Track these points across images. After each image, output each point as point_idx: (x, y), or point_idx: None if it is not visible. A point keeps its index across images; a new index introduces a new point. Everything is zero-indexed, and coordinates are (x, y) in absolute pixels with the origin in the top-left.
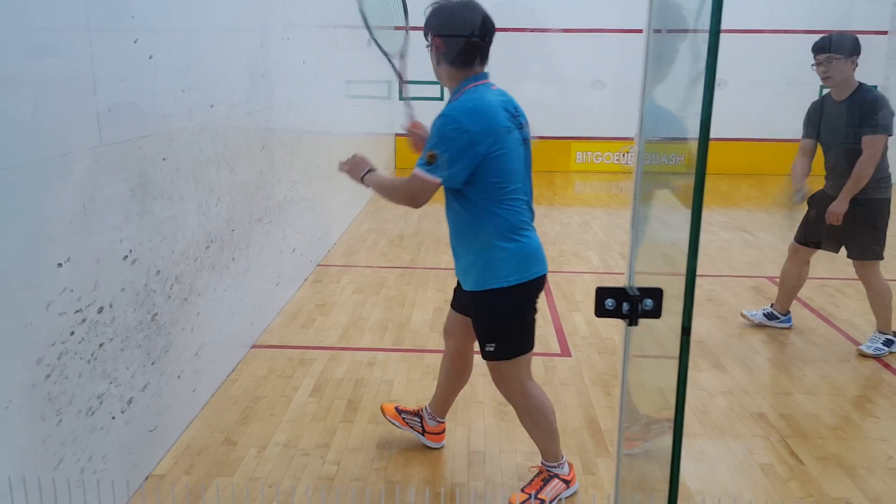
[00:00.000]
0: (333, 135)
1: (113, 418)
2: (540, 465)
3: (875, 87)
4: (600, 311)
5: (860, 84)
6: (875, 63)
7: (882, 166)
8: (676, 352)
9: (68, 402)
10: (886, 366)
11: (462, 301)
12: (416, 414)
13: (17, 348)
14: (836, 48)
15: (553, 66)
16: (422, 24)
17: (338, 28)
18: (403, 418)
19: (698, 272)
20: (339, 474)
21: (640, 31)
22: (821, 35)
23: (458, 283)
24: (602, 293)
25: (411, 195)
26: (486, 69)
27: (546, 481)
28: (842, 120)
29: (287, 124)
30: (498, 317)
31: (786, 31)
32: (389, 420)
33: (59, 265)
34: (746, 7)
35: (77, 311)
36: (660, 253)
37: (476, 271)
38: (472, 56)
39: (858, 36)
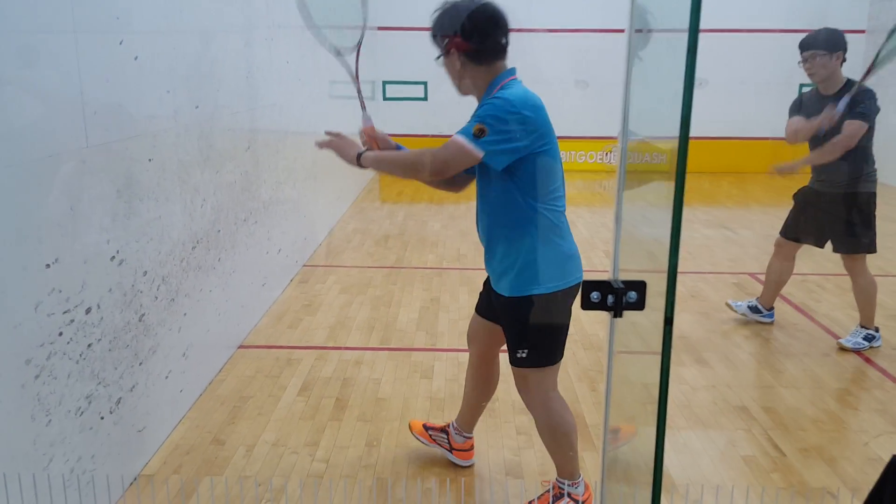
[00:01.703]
0: (318, 135)
1: (102, 418)
2: (554, 481)
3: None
4: (586, 304)
5: (848, 80)
6: (853, 61)
7: (869, 159)
8: (659, 345)
9: (57, 403)
10: (867, 360)
11: (489, 304)
12: (443, 430)
13: (6, 349)
14: (820, 45)
15: (535, 65)
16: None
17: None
18: (430, 435)
19: (681, 269)
20: (329, 472)
21: (621, 30)
22: (805, 33)
23: (485, 285)
24: (587, 286)
25: (442, 160)
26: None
27: (556, 499)
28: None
29: (272, 125)
30: (533, 324)
31: (764, 31)
32: (416, 437)
33: (47, 266)
34: (725, 6)
35: (65, 312)
36: (643, 250)
37: (513, 274)
38: (502, 50)
39: (844, 33)
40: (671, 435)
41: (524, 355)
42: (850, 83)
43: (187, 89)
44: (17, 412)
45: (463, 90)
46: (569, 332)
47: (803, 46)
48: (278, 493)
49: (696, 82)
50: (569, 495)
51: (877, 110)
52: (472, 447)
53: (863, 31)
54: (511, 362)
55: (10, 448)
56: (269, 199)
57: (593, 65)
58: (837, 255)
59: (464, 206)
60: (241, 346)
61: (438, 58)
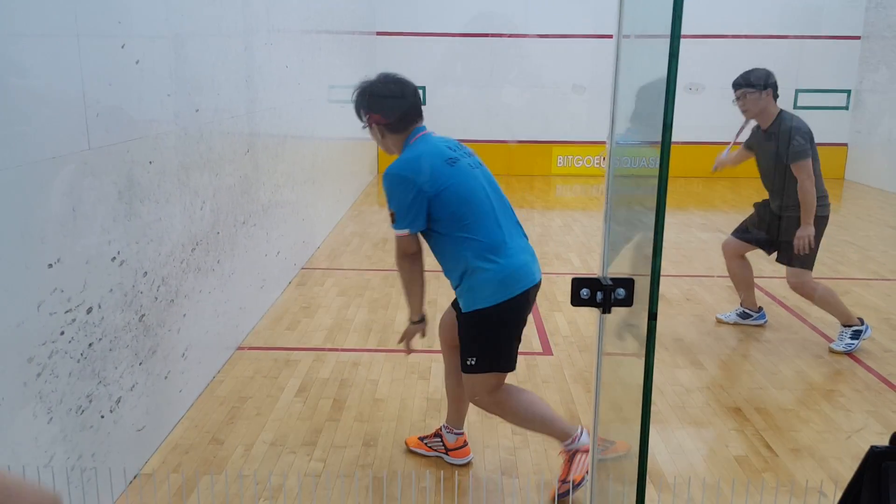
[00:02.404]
0: (316, 139)
1: (102, 417)
2: (561, 448)
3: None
4: (576, 301)
5: (780, 112)
6: (848, 68)
7: (819, 187)
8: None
9: (59, 401)
10: (858, 361)
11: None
12: (437, 435)
13: (9, 347)
14: (749, 82)
15: (533, 71)
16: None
17: (320, 33)
18: (426, 443)
19: (677, 272)
20: (326, 471)
21: (626, 36)
22: (801, 39)
23: None
24: (577, 283)
25: (400, 253)
26: (423, 120)
27: (570, 461)
28: (768, 149)
29: (271, 128)
30: (481, 335)
31: (760, 37)
32: (414, 451)
33: (50, 266)
34: (722, 12)
35: (67, 311)
36: (640, 254)
37: (464, 295)
38: (410, 117)
39: (832, 41)
40: (665, 435)
41: (473, 363)
42: (779, 117)
43: (188, 93)
44: (19, 410)
45: (388, 152)
46: (566, 333)
47: (734, 86)
48: (276, 492)
49: (692, 88)
50: (578, 451)
51: (810, 139)
52: (465, 443)
53: (858, 38)
54: (462, 370)
55: (12, 445)
56: (268, 201)
57: (590, 69)
58: (830, 261)
59: None
60: (239, 348)
61: (364, 128)
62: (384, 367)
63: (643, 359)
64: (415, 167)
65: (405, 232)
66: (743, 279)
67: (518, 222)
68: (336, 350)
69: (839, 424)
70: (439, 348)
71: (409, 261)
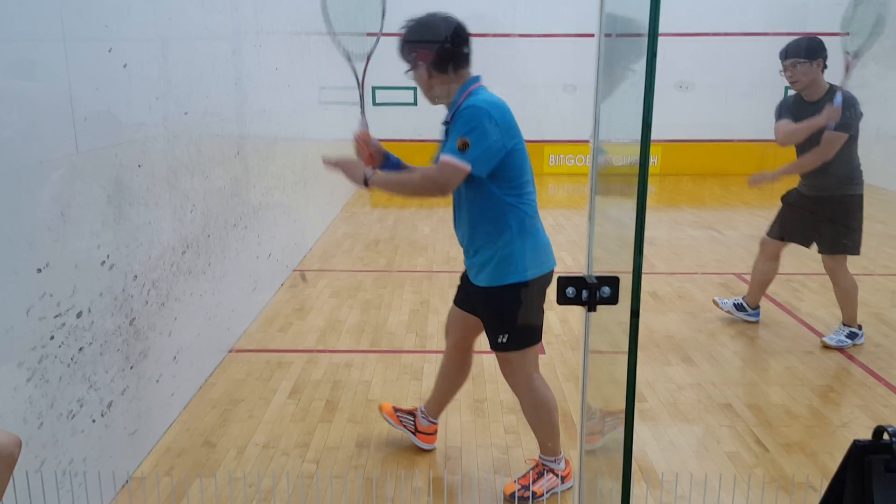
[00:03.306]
0: (307, 140)
1: (93, 421)
2: (537, 458)
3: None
4: (561, 299)
5: (831, 86)
6: (836, 63)
7: (853, 163)
8: (642, 344)
9: (49, 406)
10: (850, 357)
11: (466, 297)
12: (411, 413)
13: None
14: (800, 52)
15: (523, 71)
16: (393, 29)
17: (309, 35)
18: (398, 416)
19: (668, 269)
20: (319, 472)
21: (606, 35)
22: (788, 36)
23: (463, 279)
24: (563, 282)
25: (443, 182)
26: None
27: (541, 475)
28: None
29: (261, 131)
30: (513, 310)
31: (748, 34)
32: (385, 418)
33: (39, 270)
34: (709, 11)
35: (56, 316)
36: (618, 249)
37: (492, 266)
38: (466, 59)
39: (819, 37)
40: (657, 431)
41: (505, 340)
42: (832, 89)
43: (176, 96)
44: (9, 415)
45: (433, 100)
46: (558, 332)
47: (784, 55)
48: (269, 494)
49: (682, 86)
50: (551, 471)
51: (859, 117)
52: (435, 432)
53: (846, 34)
54: (493, 348)
55: None
56: (260, 203)
57: (580, 69)
58: (819, 256)
59: None
60: (231, 350)
61: (408, 71)
62: (377, 368)
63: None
64: (503, 114)
65: (467, 166)
66: (764, 279)
67: None
68: (328, 352)
69: (830, 419)
70: (432, 349)
71: (436, 193)
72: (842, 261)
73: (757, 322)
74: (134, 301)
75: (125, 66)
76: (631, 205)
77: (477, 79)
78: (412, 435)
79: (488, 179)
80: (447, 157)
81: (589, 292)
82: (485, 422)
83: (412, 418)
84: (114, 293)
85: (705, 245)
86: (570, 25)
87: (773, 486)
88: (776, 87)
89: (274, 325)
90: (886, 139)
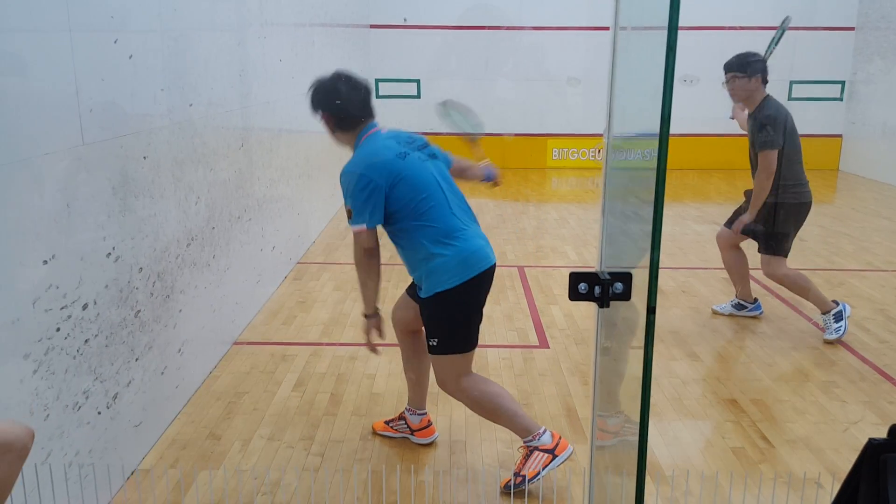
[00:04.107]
0: (311, 133)
1: (98, 413)
2: (521, 444)
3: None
4: (574, 295)
5: (764, 99)
6: (842, 59)
7: (791, 174)
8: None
9: (55, 398)
10: (854, 352)
11: (414, 292)
12: (400, 418)
13: (5, 344)
14: (736, 67)
15: (527, 64)
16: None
17: (314, 26)
18: (391, 426)
19: (672, 264)
20: (324, 465)
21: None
22: (797, 30)
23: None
24: (575, 278)
25: (359, 248)
26: (374, 117)
27: (527, 457)
28: (750, 133)
29: (265, 123)
30: (443, 316)
31: (754, 28)
32: (382, 434)
33: (45, 262)
34: (716, 4)
35: (62, 308)
36: (629, 245)
37: (424, 281)
38: (356, 116)
39: (826, 32)
40: (662, 427)
41: (435, 344)
42: (762, 104)
43: (181, 87)
44: (15, 407)
45: (344, 147)
46: (562, 327)
47: (725, 69)
48: (274, 487)
49: (687, 80)
50: (535, 448)
51: (782, 131)
52: (429, 423)
53: (852, 29)
54: (429, 352)
55: None
56: (263, 196)
57: (584, 62)
58: (825, 252)
59: None
60: (235, 343)
61: (320, 120)
62: (381, 361)
63: (635, 350)
64: (368, 163)
65: (363, 227)
66: (738, 270)
67: (471, 211)
68: (332, 345)
69: (835, 415)
70: None
71: (367, 256)
72: (776, 262)
73: (760, 315)
74: (139, 293)
75: (131, 57)
76: (643, 200)
77: (369, 127)
78: (411, 436)
79: (390, 216)
80: (351, 228)
81: (602, 288)
82: None
83: (403, 422)
84: (119, 285)
85: (710, 240)
86: (575, 18)
87: (779, 483)
88: (782, 82)
89: (278, 318)
90: (892, 135)
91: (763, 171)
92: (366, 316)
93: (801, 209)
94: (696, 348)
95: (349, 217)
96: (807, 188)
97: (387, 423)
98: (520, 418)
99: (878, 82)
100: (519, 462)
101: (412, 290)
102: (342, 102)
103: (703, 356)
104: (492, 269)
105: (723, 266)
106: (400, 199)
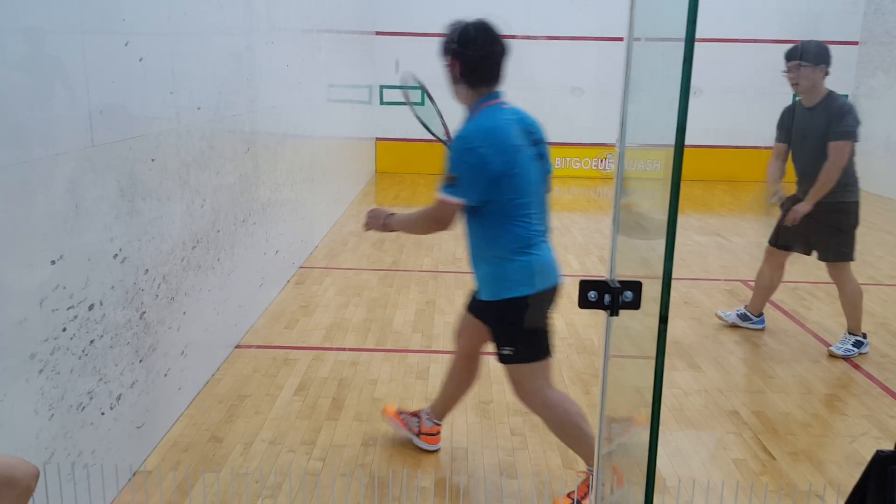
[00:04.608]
0: (316, 138)
1: (102, 414)
2: (586, 470)
3: (846, 95)
4: (583, 303)
5: (829, 92)
6: (846, 72)
7: (849, 171)
8: (653, 350)
9: (60, 398)
10: (856, 366)
11: (476, 305)
12: (415, 415)
13: (12, 343)
14: (805, 56)
15: (531, 73)
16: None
17: (320, 32)
18: (402, 418)
19: (674, 275)
20: (325, 469)
21: (617, 38)
22: (792, 43)
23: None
24: (585, 286)
25: (438, 219)
26: (500, 86)
27: (591, 487)
28: (811, 126)
29: (271, 127)
30: (510, 324)
31: (758, 41)
32: (389, 420)
33: (53, 262)
34: (720, 17)
35: (69, 308)
36: (638, 256)
37: (488, 282)
38: (485, 75)
39: (830, 46)
40: (663, 438)
41: (508, 352)
42: (830, 96)
43: (189, 91)
44: (21, 406)
45: (458, 101)
46: (564, 335)
47: (788, 57)
48: (275, 490)
49: (692, 91)
50: None
51: (858, 124)
52: (438, 433)
53: (856, 43)
54: (500, 361)
55: (14, 441)
56: (268, 200)
57: (588, 72)
58: (824, 262)
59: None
60: (238, 346)
61: (445, 65)
62: (383, 366)
63: (639, 360)
64: (491, 141)
65: (459, 201)
66: (768, 287)
67: (548, 224)
68: (335, 349)
69: (837, 429)
70: (437, 349)
71: (436, 225)
72: (844, 267)
73: (763, 329)
74: (145, 295)
75: (141, 60)
76: (654, 210)
77: (494, 95)
78: (415, 437)
79: (483, 204)
80: (440, 195)
81: (612, 297)
82: (491, 423)
83: (417, 420)
84: (125, 286)
85: (712, 251)
86: (580, 28)
87: (780, 495)
88: (785, 93)
89: (280, 322)
90: (895, 149)
91: (835, 162)
92: (389, 214)
93: (858, 207)
94: (697, 359)
95: (451, 183)
96: (858, 186)
97: (399, 413)
98: (591, 444)
99: (881, 97)
100: (580, 489)
101: (472, 306)
102: (480, 53)
103: (705, 367)
104: (558, 287)
105: (730, 278)
106: (503, 192)
